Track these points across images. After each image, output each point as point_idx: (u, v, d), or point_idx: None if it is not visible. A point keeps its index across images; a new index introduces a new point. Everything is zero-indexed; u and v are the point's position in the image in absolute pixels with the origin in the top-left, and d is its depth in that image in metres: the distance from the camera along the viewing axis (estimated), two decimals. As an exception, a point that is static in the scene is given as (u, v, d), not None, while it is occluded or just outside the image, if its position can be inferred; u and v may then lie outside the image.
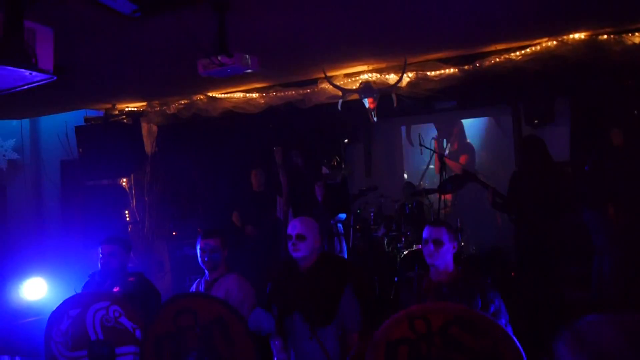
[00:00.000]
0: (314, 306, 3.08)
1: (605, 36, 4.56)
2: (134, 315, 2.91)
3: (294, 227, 3.26)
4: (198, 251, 3.63)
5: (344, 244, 6.01)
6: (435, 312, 2.38)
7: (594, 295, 5.15)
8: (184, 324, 2.71)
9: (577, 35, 4.65)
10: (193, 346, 2.67)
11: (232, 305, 2.79)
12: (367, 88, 5.30)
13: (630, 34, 4.47)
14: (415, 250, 6.24)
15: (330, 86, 5.43)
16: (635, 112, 5.76)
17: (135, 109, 6.96)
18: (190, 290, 3.83)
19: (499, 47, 4.99)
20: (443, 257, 2.98)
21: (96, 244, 3.91)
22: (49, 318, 3.01)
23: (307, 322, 3.11)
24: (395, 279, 6.27)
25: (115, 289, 3.67)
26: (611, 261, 4.91)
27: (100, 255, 3.78)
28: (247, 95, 6.19)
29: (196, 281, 3.82)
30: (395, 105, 5.21)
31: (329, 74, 5.43)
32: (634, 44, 4.43)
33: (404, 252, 6.43)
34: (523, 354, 2.17)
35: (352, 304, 3.12)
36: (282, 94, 5.97)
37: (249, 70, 3.93)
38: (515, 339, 2.22)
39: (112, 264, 3.76)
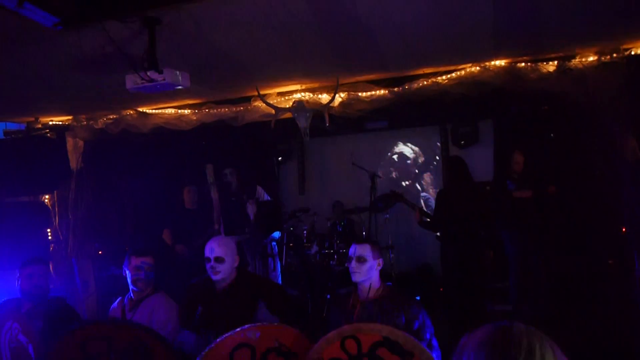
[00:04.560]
0: (230, 325, 3.05)
1: (522, 64, 4.85)
2: (29, 330, 2.78)
3: (212, 249, 3.22)
4: (130, 269, 3.48)
5: (278, 263, 5.99)
6: (364, 332, 2.43)
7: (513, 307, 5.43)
8: (94, 351, 2.59)
9: (497, 62, 4.92)
10: None
11: (152, 329, 2.71)
12: (300, 107, 5.35)
13: (545, 63, 4.78)
14: (347, 267, 6.31)
15: (264, 104, 5.44)
16: (551, 135, 6.15)
17: (60, 122, 6.68)
18: (111, 309, 3.67)
19: (427, 70, 5.19)
20: (367, 274, 3.04)
21: (12, 265, 3.68)
22: None
23: None
24: (328, 296, 6.31)
25: (38, 313, 3.44)
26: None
27: (22, 278, 3.51)
28: (179, 111, 6.08)
29: (117, 300, 3.66)
30: (327, 124, 5.29)
31: (263, 92, 5.44)
32: (548, 72, 4.74)
33: (337, 269, 6.50)
34: None
35: (267, 320, 3.11)
36: (215, 111, 5.91)
37: (180, 87, 3.88)
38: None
39: (44, 285, 3.51)
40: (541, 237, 5.27)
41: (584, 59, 4.67)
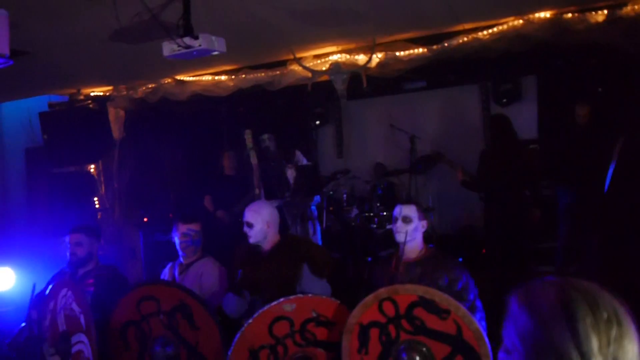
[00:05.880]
0: (275, 289, 3.09)
1: (569, 15, 4.59)
2: (80, 299, 2.90)
3: (244, 214, 3.33)
4: (179, 235, 3.59)
5: (318, 227, 6.03)
6: (401, 293, 2.44)
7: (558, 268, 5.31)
8: (147, 311, 2.72)
9: (542, 14, 4.68)
10: (158, 332, 2.67)
11: (192, 291, 2.81)
12: (336, 69, 5.28)
13: (593, 12, 4.51)
14: (388, 230, 6.30)
15: (300, 68, 5.39)
16: (599, 89, 5.87)
17: (102, 93, 6.80)
18: (162, 274, 3.80)
19: (467, 26, 5.00)
20: (412, 235, 3.02)
21: (63, 233, 3.82)
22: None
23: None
24: (369, 259, 6.33)
25: (90, 281, 3.58)
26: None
27: (67, 245, 3.66)
28: (216, 77, 6.09)
29: (168, 265, 3.79)
30: (365, 86, 5.21)
31: (298, 55, 5.38)
32: (597, 22, 4.48)
33: (378, 232, 6.50)
34: (484, 332, 2.23)
35: (312, 283, 3.13)
36: (251, 76, 5.89)
37: (216, 52, 3.86)
38: (476, 319, 2.28)
39: (80, 253, 3.63)
40: (597, 194, 5.00)
41: (637, 7, 4.38)
